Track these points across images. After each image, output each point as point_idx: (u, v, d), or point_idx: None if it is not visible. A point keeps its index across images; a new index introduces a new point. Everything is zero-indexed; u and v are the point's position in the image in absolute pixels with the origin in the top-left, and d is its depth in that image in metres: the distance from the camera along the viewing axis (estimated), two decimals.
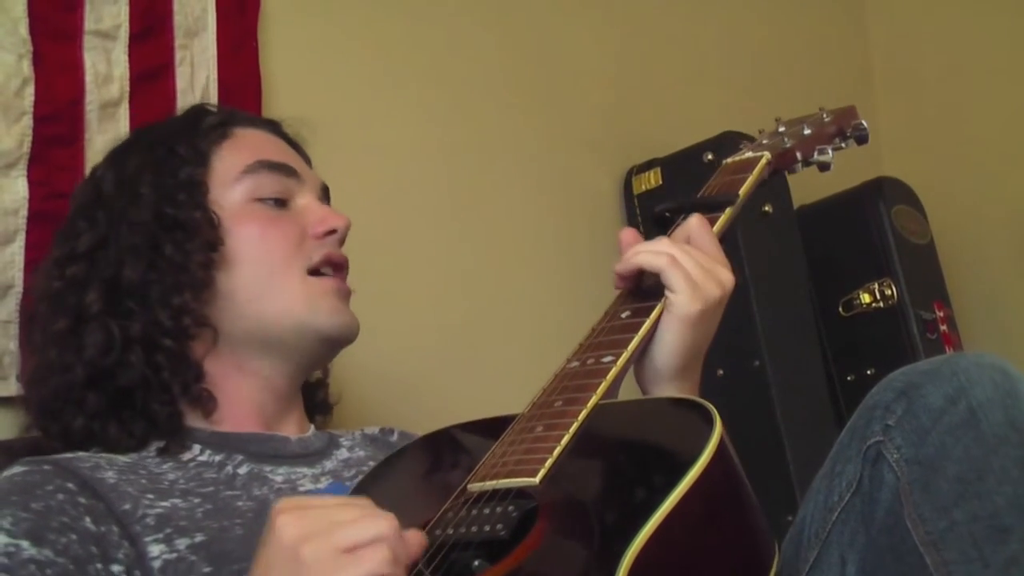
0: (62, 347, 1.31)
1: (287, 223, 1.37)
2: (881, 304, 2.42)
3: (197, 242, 1.32)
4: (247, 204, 1.36)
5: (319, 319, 1.35)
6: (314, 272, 1.37)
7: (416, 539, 0.93)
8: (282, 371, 1.37)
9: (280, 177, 1.38)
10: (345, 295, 1.39)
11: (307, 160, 1.49)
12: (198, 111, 1.45)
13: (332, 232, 1.39)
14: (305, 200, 1.40)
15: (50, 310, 1.34)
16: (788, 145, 1.48)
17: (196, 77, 1.75)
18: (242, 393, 1.35)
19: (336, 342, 1.38)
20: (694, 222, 1.28)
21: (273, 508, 0.92)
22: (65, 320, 1.32)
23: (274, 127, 1.47)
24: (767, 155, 1.44)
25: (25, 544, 1.09)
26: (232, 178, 1.37)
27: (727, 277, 1.25)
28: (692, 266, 1.22)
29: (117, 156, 1.42)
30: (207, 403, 1.32)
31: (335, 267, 1.39)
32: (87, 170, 1.60)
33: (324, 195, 1.45)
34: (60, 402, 1.30)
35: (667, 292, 1.22)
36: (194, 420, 1.32)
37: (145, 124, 1.57)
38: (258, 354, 1.35)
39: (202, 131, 1.39)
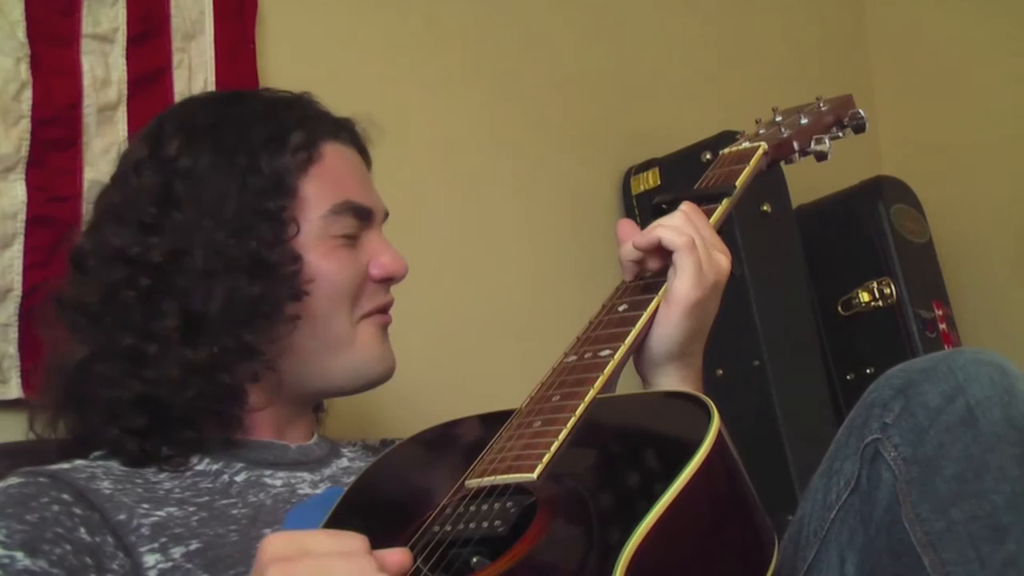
0: (119, 360, 1.26)
1: (355, 263, 1.34)
2: (880, 303, 2.42)
3: (284, 289, 1.28)
4: (322, 240, 1.32)
5: (371, 369, 1.36)
6: (364, 316, 1.36)
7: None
8: (314, 399, 1.39)
9: (357, 219, 1.35)
10: (385, 331, 1.38)
11: (369, 164, 1.46)
12: (285, 118, 1.36)
13: (390, 279, 1.38)
14: (371, 236, 1.38)
15: (110, 315, 1.27)
16: (785, 135, 1.47)
17: (194, 80, 1.75)
18: (264, 410, 1.33)
19: (378, 385, 1.39)
20: (684, 209, 1.27)
21: (262, 550, 0.90)
22: (131, 336, 1.26)
23: (351, 135, 1.42)
24: (764, 145, 1.43)
25: (20, 555, 1.08)
26: (317, 214, 1.32)
27: (723, 263, 1.25)
28: (703, 253, 1.23)
29: (192, 136, 1.32)
30: (236, 430, 1.30)
31: (382, 312, 1.38)
32: (86, 173, 1.61)
33: (384, 217, 1.42)
34: (99, 408, 1.26)
35: (671, 273, 1.22)
36: (219, 436, 1.30)
37: (227, 98, 1.46)
38: (301, 386, 1.34)
39: (289, 149, 1.33)
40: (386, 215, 1.43)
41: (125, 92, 1.68)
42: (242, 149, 1.31)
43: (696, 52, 2.62)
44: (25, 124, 1.58)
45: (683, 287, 1.21)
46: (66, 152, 1.61)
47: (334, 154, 1.37)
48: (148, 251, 1.27)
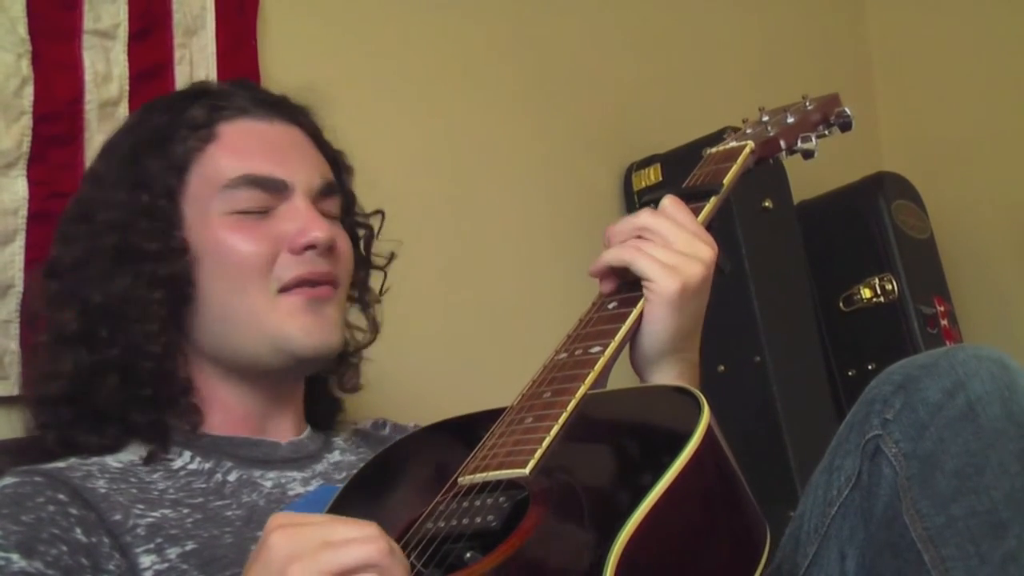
0: (45, 359, 1.32)
1: (260, 239, 1.30)
2: (881, 299, 2.42)
3: (162, 274, 1.28)
4: (222, 217, 1.30)
5: (291, 343, 1.29)
6: (286, 289, 1.30)
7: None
8: (267, 379, 1.34)
9: (264, 192, 1.31)
10: (317, 306, 1.31)
11: (315, 132, 1.42)
12: (186, 101, 1.37)
13: (311, 247, 1.31)
14: (289, 206, 1.32)
15: (40, 319, 1.35)
16: (771, 133, 1.48)
17: (195, 76, 1.75)
18: (231, 400, 1.34)
19: (311, 360, 1.33)
20: (666, 202, 1.26)
21: (268, 523, 0.90)
22: (47, 335, 1.33)
23: (274, 107, 1.39)
24: (750, 144, 1.44)
25: (15, 557, 1.09)
26: (209, 192, 1.31)
27: (705, 251, 1.22)
28: (658, 251, 1.21)
29: (109, 148, 1.40)
30: (194, 415, 1.31)
31: (311, 284, 1.31)
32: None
33: (325, 190, 1.36)
34: (42, 411, 1.32)
35: (642, 281, 1.21)
36: (182, 425, 1.31)
37: (144, 108, 1.47)
38: (239, 367, 1.33)
39: (181, 134, 1.33)
40: (328, 186, 1.37)
41: (127, 88, 1.68)
42: (136, 146, 1.34)
43: (698, 48, 2.62)
44: (26, 120, 1.57)
45: (657, 285, 1.20)
46: (67, 148, 1.61)
47: (236, 131, 1.35)
48: (59, 261, 1.33)
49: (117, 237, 1.30)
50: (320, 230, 1.30)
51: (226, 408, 1.33)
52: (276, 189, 1.32)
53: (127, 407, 1.29)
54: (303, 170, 1.35)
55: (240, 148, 1.33)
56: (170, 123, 1.34)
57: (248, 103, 1.37)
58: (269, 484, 1.29)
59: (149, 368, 1.29)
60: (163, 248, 1.29)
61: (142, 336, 1.29)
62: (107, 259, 1.30)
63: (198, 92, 1.42)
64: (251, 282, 1.29)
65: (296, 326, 1.29)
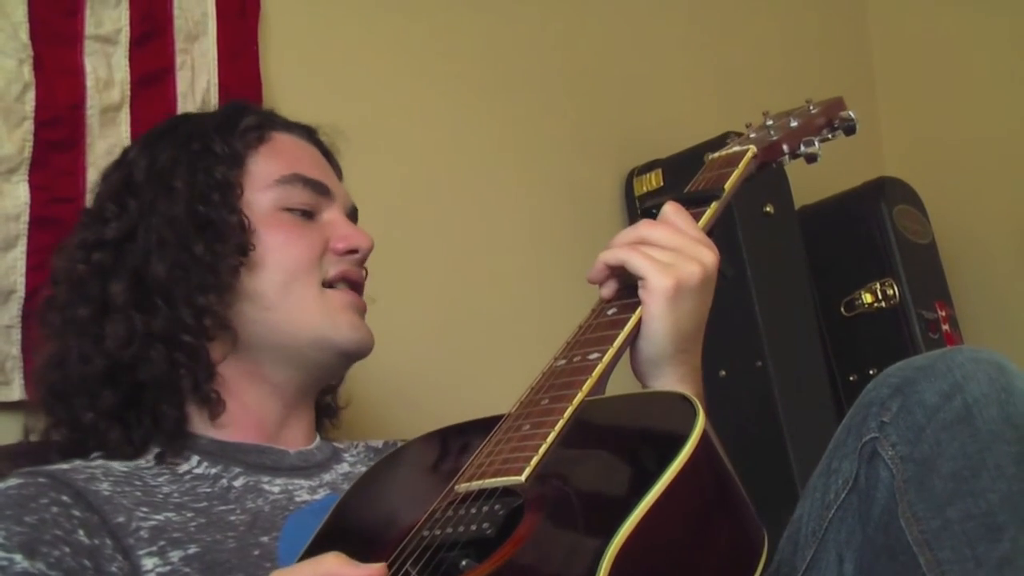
0: (82, 336, 1.31)
1: (311, 234, 1.37)
2: (883, 304, 2.42)
3: (228, 245, 1.32)
4: (275, 212, 1.36)
5: (338, 334, 1.35)
6: (329, 286, 1.37)
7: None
8: (294, 380, 1.37)
9: (312, 192, 1.38)
10: (362, 310, 1.39)
11: (338, 171, 1.49)
12: (237, 109, 1.45)
13: (353, 251, 1.39)
14: (332, 215, 1.40)
15: (72, 295, 1.33)
16: (774, 138, 1.47)
17: (197, 81, 1.76)
18: (250, 399, 1.34)
19: (352, 356, 1.39)
20: (667, 208, 1.26)
21: None
22: (87, 308, 1.31)
23: (310, 134, 1.47)
24: (752, 149, 1.43)
25: (18, 558, 1.09)
26: (265, 184, 1.37)
27: (706, 255, 1.21)
28: (654, 251, 1.20)
29: (151, 142, 1.40)
30: (216, 406, 1.32)
31: (351, 284, 1.39)
32: (88, 175, 1.61)
33: (352, 214, 1.45)
34: (75, 392, 1.30)
35: (638, 281, 1.21)
36: (197, 425, 1.32)
37: (184, 113, 1.60)
38: (272, 361, 1.35)
39: (239, 131, 1.39)
40: (354, 210, 1.46)
41: (128, 93, 1.68)
42: (197, 137, 1.38)
43: (699, 53, 2.62)
44: (28, 125, 1.58)
45: (652, 281, 1.19)
46: (69, 153, 1.62)
47: (286, 139, 1.43)
48: (103, 233, 1.33)
49: (185, 206, 1.33)
50: (364, 237, 1.40)
51: (242, 410, 1.34)
52: (323, 192, 1.40)
53: (160, 392, 1.29)
54: (338, 186, 1.45)
55: (291, 153, 1.42)
56: (224, 124, 1.40)
57: (290, 122, 1.46)
58: (276, 490, 1.29)
59: (190, 344, 1.30)
60: (234, 220, 1.33)
61: (193, 309, 1.30)
62: (170, 228, 1.32)
63: (244, 106, 1.48)
64: (299, 278, 1.35)
65: (346, 320, 1.36)
